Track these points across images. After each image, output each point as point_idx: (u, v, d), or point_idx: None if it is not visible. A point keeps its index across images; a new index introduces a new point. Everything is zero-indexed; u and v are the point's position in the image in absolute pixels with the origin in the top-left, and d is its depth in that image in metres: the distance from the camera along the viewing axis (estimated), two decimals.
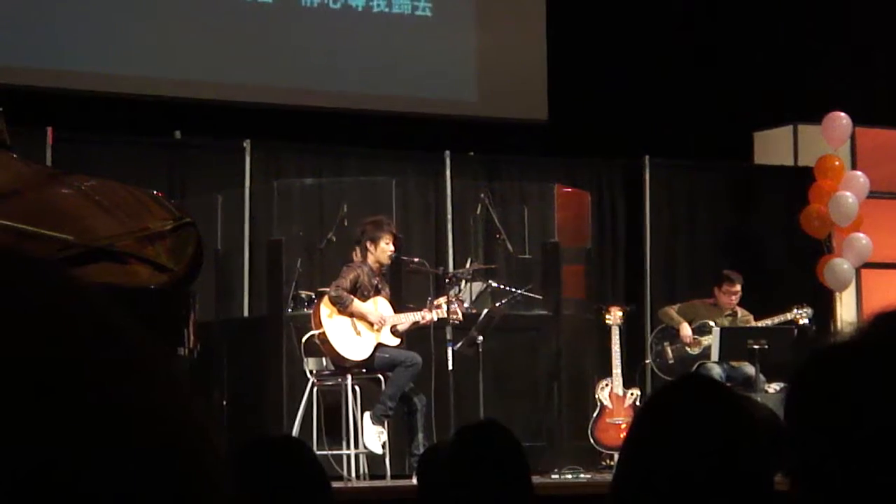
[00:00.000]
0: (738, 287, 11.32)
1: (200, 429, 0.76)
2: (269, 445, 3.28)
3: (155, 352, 0.76)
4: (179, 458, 0.74)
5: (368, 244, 9.87)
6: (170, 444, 0.74)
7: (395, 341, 9.93)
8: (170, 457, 0.74)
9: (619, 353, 11.10)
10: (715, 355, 11.02)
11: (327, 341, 9.78)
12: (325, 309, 9.82)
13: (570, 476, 10.26)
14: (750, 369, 11.03)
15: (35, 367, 0.72)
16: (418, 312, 9.99)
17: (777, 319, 11.30)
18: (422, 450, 9.65)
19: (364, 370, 9.87)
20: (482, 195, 11.71)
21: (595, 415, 11.01)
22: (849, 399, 1.45)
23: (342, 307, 9.77)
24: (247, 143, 11.89)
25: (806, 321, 11.34)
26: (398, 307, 10.06)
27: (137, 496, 0.72)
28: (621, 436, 10.68)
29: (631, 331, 11.93)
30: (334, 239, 10.74)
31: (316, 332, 9.81)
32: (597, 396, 11.09)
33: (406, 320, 9.96)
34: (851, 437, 1.42)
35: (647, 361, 11.70)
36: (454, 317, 9.90)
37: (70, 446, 0.71)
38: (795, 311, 11.36)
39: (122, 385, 0.74)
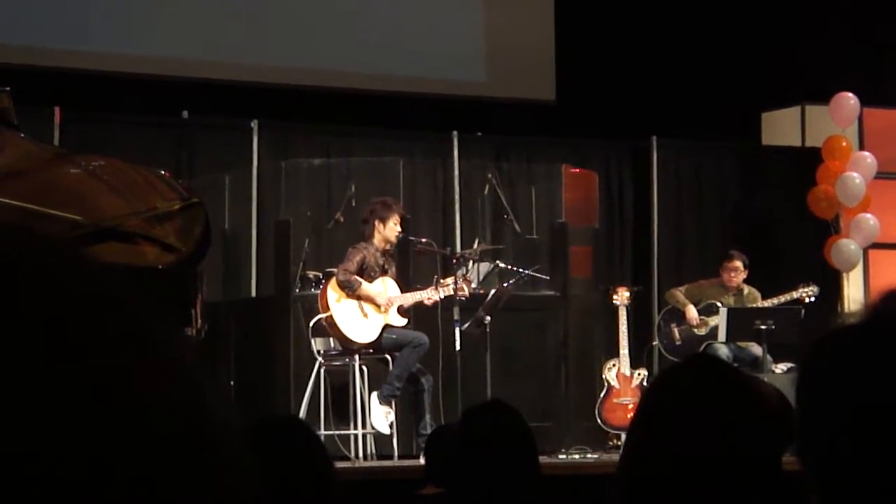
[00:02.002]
0: (737, 264, 11.32)
1: (214, 409, 0.76)
2: (271, 425, 3.28)
3: (168, 330, 0.76)
4: (195, 437, 0.74)
5: (377, 223, 9.88)
6: (184, 422, 0.74)
7: (403, 321, 9.94)
8: (185, 435, 0.74)
9: (626, 334, 11.10)
10: (722, 336, 11.02)
11: (335, 325, 9.79)
12: (333, 293, 9.82)
13: (577, 456, 10.27)
14: (757, 350, 11.03)
15: (47, 343, 0.72)
16: (425, 291, 9.99)
17: (783, 298, 11.30)
18: (429, 430, 9.67)
19: (371, 351, 9.89)
20: (490, 175, 11.71)
21: (602, 395, 11.02)
22: (858, 380, 1.45)
23: (350, 291, 9.78)
24: (254, 124, 11.88)
25: (812, 299, 11.34)
26: (405, 287, 10.07)
27: (151, 476, 0.72)
28: (628, 416, 10.71)
29: (638, 311, 11.93)
30: (342, 219, 10.74)
31: (323, 315, 9.81)
32: (604, 376, 11.10)
33: (413, 300, 9.97)
34: (861, 418, 1.42)
35: (655, 343, 11.70)
36: (461, 293, 9.91)
37: (79, 426, 0.71)
38: (801, 289, 11.36)
39: (136, 363, 0.74)
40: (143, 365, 0.74)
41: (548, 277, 11.05)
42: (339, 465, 7.68)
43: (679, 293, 11.53)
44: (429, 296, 9.95)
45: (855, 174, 12.64)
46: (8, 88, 7.35)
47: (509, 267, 10.73)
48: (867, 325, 1.50)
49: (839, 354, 1.49)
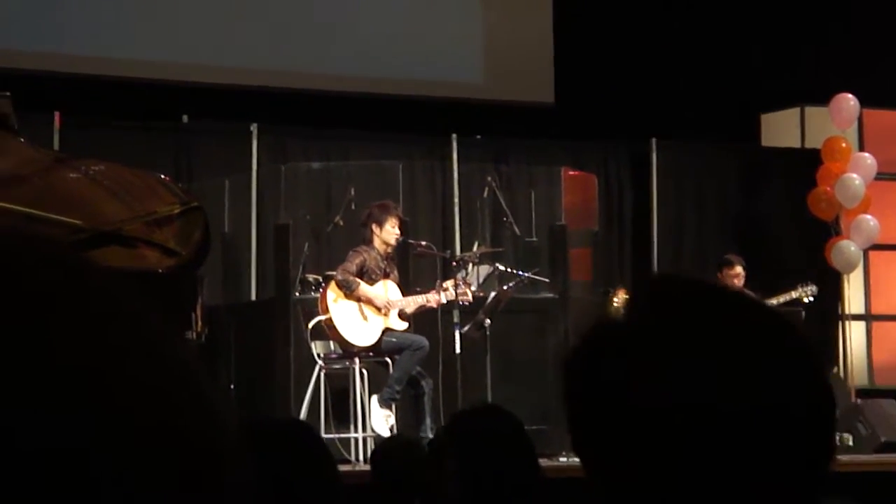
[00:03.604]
0: (739, 269, 11.32)
1: (216, 411, 0.76)
2: (274, 428, 3.28)
3: (170, 334, 0.77)
4: (195, 440, 0.75)
5: (374, 226, 9.88)
6: (185, 427, 0.74)
7: (403, 325, 9.94)
8: (191, 439, 0.74)
9: None
10: None
11: (334, 327, 9.79)
12: (332, 294, 9.83)
13: (577, 459, 10.25)
14: None
15: (47, 348, 0.72)
16: (425, 295, 10.00)
17: (782, 298, 11.30)
18: (429, 433, 9.67)
19: (371, 354, 9.89)
20: (489, 178, 11.71)
21: None
22: (619, 381, 1.41)
23: (349, 291, 9.78)
24: (254, 127, 11.89)
25: (811, 299, 11.34)
26: (406, 291, 10.07)
27: (158, 479, 0.72)
28: None
29: None
30: (341, 222, 10.74)
31: (322, 317, 9.81)
32: None
33: (413, 304, 9.97)
34: (626, 420, 1.39)
35: None
36: (463, 297, 9.91)
37: (82, 428, 0.71)
38: (800, 289, 11.36)
39: (137, 367, 0.74)
40: (148, 369, 0.74)
41: (547, 280, 11.05)
42: (340, 468, 7.68)
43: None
44: (428, 299, 9.95)
45: (855, 175, 12.64)
46: (8, 93, 7.36)
47: (509, 270, 10.72)
48: (630, 322, 1.46)
49: (602, 355, 1.45)
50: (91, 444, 0.71)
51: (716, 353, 1.39)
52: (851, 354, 12.82)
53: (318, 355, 9.92)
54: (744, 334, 1.41)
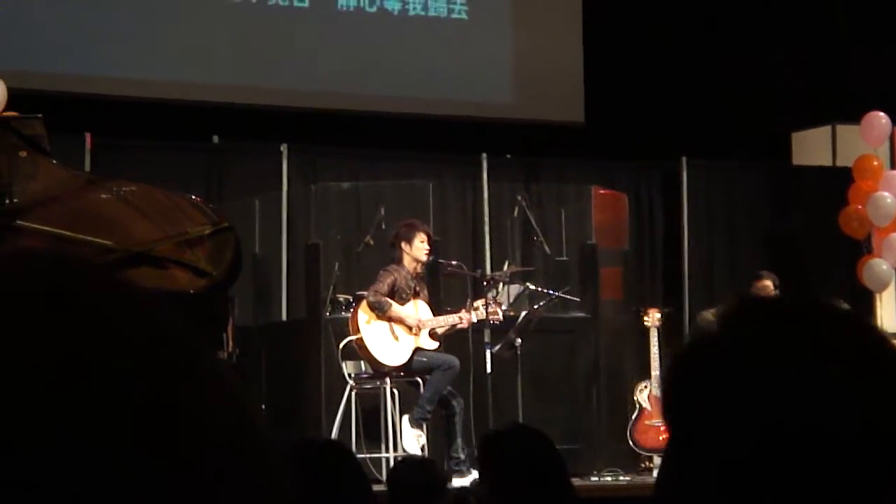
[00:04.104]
0: (767, 283, 11.28)
1: (254, 430, 0.76)
2: (312, 449, 3.28)
3: (212, 355, 0.77)
4: (243, 460, 0.74)
5: (403, 244, 9.88)
6: (224, 445, 0.74)
7: (434, 345, 9.93)
8: (233, 459, 0.74)
9: (657, 355, 11.07)
10: None
11: (365, 347, 9.79)
12: (363, 315, 9.83)
13: (609, 478, 10.24)
14: None
15: (89, 368, 0.72)
16: (456, 314, 9.99)
17: None
18: (461, 453, 9.66)
19: (402, 374, 9.89)
20: (519, 197, 11.71)
21: (634, 417, 10.98)
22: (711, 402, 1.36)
23: (381, 312, 9.78)
24: (284, 147, 11.91)
25: None
26: (436, 310, 10.06)
27: (202, 499, 0.72)
28: (661, 438, 10.68)
29: (669, 332, 11.89)
30: (372, 242, 10.75)
31: (353, 337, 9.82)
32: (635, 398, 11.07)
33: (445, 323, 9.97)
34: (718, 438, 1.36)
35: None
36: (494, 317, 9.90)
37: (119, 448, 0.71)
38: None
39: (176, 387, 0.74)
40: (190, 390, 0.74)
41: (578, 299, 11.04)
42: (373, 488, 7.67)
43: (710, 315, 11.49)
44: (460, 318, 9.94)
45: (886, 194, 12.59)
46: (40, 115, 7.40)
47: (539, 289, 10.71)
48: (714, 343, 1.41)
49: (692, 375, 1.40)
50: (136, 470, 0.71)
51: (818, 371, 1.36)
52: None
53: (349, 375, 9.92)
54: (852, 353, 1.38)
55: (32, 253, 0.76)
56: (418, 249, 9.89)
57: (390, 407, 9.81)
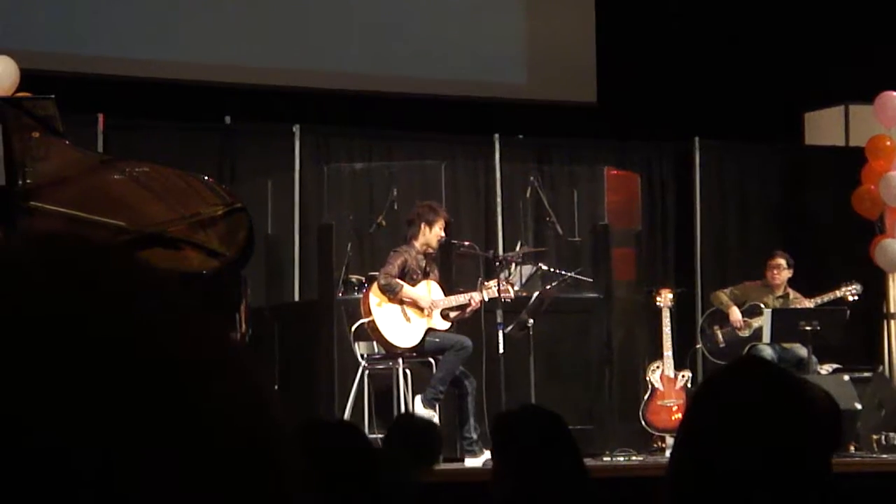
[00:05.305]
0: (780, 261, 11.28)
1: (270, 410, 0.77)
2: (323, 429, 3.28)
3: (225, 335, 0.77)
4: (252, 440, 0.75)
5: (423, 226, 9.88)
6: (242, 426, 0.75)
7: (446, 325, 9.94)
8: (243, 439, 0.74)
9: (669, 336, 11.07)
10: (766, 337, 10.97)
11: (377, 329, 9.80)
12: (375, 297, 9.83)
13: (622, 458, 10.25)
14: (802, 351, 10.98)
15: (110, 350, 0.73)
16: (467, 294, 9.99)
17: (826, 298, 11.25)
18: (473, 433, 9.68)
19: (415, 354, 9.90)
20: (531, 178, 11.70)
21: (646, 397, 10.99)
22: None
23: (392, 295, 9.78)
24: (296, 128, 11.92)
25: (855, 297, 11.28)
26: (448, 290, 10.07)
27: (220, 479, 0.72)
28: (673, 418, 10.69)
29: (682, 313, 11.89)
30: (384, 223, 10.75)
31: (365, 320, 9.83)
32: (648, 379, 11.07)
33: (456, 303, 9.97)
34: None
35: (698, 345, 11.66)
36: (505, 295, 9.91)
37: (140, 430, 0.72)
38: (844, 287, 11.30)
39: (198, 371, 0.74)
40: (211, 375, 0.75)
41: (591, 280, 11.03)
42: None
43: (723, 295, 11.49)
44: (472, 297, 9.94)
45: None
46: (53, 96, 7.40)
47: (552, 269, 10.71)
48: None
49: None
50: (142, 443, 0.71)
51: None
52: None
53: (362, 356, 9.94)
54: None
55: (53, 236, 0.76)
56: (435, 235, 9.89)
57: (403, 387, 9.82)
